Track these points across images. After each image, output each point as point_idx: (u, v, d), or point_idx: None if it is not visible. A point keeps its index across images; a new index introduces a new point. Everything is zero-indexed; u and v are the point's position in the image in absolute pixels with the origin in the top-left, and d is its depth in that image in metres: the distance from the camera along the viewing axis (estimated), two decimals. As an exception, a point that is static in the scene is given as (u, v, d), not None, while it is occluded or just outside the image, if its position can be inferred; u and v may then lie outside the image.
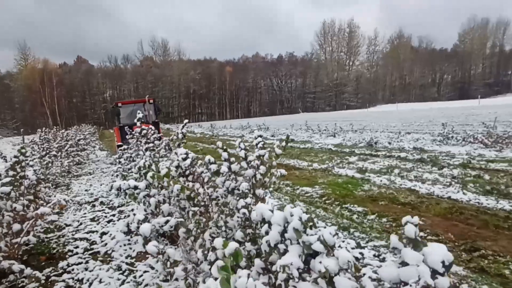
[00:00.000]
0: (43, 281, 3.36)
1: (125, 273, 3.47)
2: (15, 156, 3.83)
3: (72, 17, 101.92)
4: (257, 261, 2.05)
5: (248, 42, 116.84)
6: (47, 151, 10.42)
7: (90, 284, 3.32)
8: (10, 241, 3.49)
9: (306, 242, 1.55)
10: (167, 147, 6.96)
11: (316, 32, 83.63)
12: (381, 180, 6.32)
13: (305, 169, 8.23)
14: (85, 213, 5.84)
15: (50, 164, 8.93)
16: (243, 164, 2.64)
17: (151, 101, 12.16)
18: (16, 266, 3.09)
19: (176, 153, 3.93)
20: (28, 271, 3.20)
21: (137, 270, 3.50)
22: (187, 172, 3.75)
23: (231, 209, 2.48)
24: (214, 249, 2.50)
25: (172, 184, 3.43)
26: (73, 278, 3.48)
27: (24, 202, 3.73)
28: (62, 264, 3.81)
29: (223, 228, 2.45)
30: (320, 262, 1.47)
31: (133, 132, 9.25)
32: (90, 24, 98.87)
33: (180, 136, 6.11)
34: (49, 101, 60.41)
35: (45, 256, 4.10)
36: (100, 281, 3.34)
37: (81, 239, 4.65)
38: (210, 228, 2.70)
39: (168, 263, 2.50)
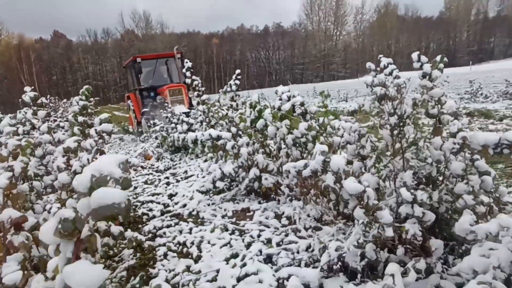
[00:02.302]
0: (144, 246, 2.77)
1: (236, 234, 2.90)
2: (80, 99, 3.12)
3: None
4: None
5: (231, 13, 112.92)
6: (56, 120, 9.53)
7: (198, 247, 2.75)
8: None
9: None
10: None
11: (302, 1, 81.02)
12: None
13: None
14: (133, 177, 5.18)
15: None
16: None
17: (179, 55, 9.34)
18: (115, 228, 2.48)
19: (276, 92, 3.32)
20: (129, 233, 2.59)
21: (247, 230, 2.92)
22: (298, 111, 3.16)
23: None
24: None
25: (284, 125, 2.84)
26: (171, 242, 2.90)
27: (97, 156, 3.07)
28: (147, 227, 3.21)
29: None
30: None
31: (160, 98, 8.34)
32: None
33: (234, 88, 5.46)
34: (28, 78, 57.19)
35: (117, 220, 3.48)
36: (210, 243, 2.77)
37: (147, 202, 4.04)
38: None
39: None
